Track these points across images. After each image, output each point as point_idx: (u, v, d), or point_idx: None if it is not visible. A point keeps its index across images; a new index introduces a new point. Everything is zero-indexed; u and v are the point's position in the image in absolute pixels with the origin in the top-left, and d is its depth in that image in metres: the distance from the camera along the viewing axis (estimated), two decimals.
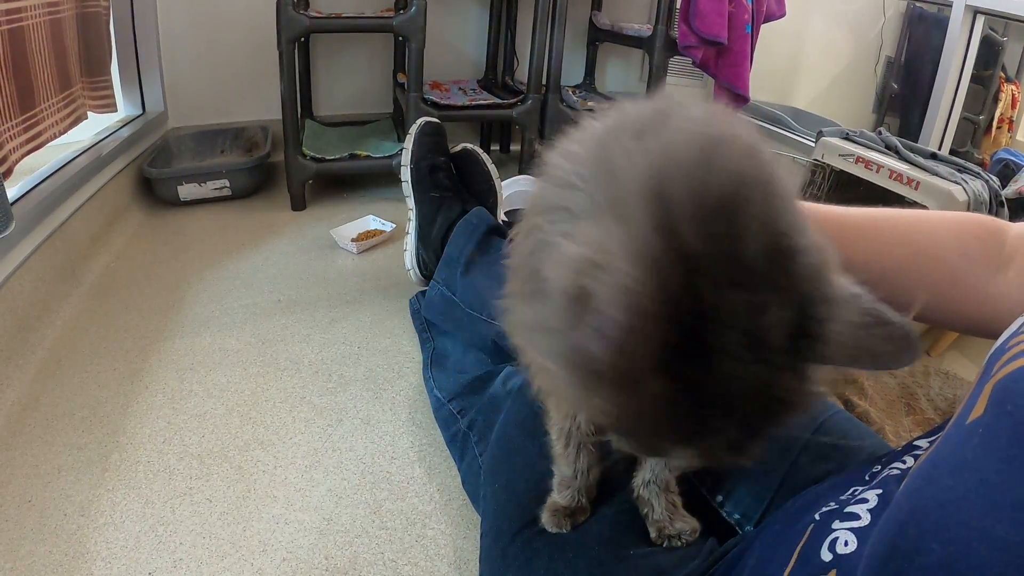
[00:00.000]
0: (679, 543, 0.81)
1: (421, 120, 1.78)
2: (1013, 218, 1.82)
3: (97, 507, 1.16)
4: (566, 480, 0.86)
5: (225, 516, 1.15)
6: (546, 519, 0.87)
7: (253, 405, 1.40)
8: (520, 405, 1.06)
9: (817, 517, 0.61)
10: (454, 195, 1.68)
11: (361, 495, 1.20)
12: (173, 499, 1.18)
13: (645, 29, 2.73)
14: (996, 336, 0.57)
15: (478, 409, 1.25)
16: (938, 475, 0.49)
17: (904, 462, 0.62)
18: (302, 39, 2.60)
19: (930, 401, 1.51)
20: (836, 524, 0.58)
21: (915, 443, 0.66)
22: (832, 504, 0.63)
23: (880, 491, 0.58)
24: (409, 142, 1.75)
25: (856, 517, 0.57)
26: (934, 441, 0.59)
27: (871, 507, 0.57)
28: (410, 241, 1.72)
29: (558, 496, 0.87)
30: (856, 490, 0.63)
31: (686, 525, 0.82)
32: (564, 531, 0.85)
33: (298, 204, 2.40)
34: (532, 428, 0.98)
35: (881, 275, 0.69)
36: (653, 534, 0.82)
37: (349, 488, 1.21)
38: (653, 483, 0.82)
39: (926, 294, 0.70)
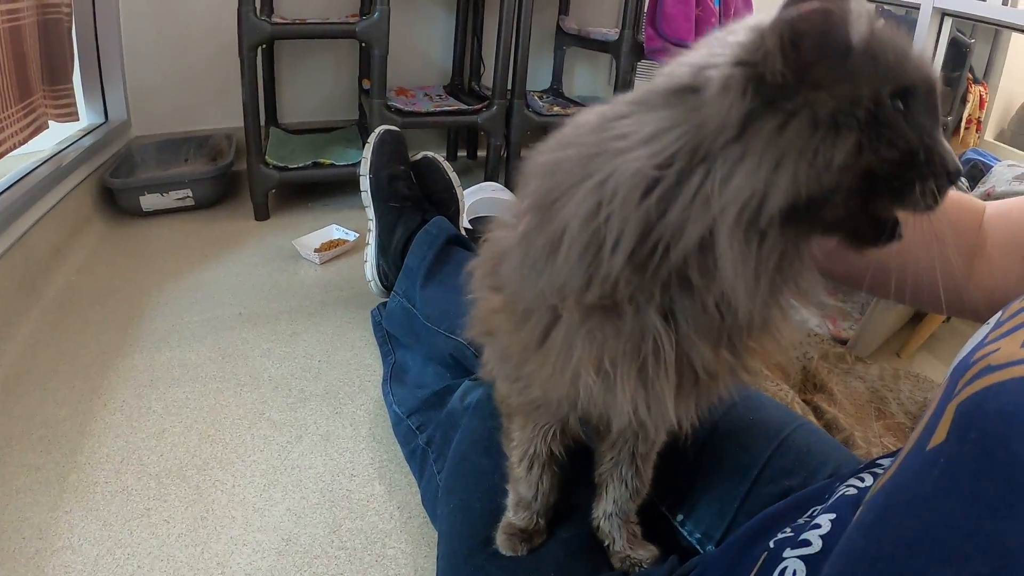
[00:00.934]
0: (639, 570, 0.82)
1: (380, 129, 1.78)
2: None
3: (55, 530, 1.15)
4: (524, 501, 0.86)
5: (183, 538, 1.15)
6: (501, 541, 0.86)
7: (212, 422, 1.40)
8: (477, 422, 1.06)
9: (771, 545, 0.61)
10: (414, 205, 1.68)
11: (320, 514, 1.20)
12: (131, 520, 1.17)
13: (612, 33, 2.74)
14: (984, 320, 0.54)
15: (436, 424, 1.25)
16: (894, 511, 0.44)
17: (862, 479, 0.61)
18: (265, 45, 2.58)
19: (900, 405, 1.51)
20: (787, 552, 0.56)
21: (878, 461, 0.66)
22: (788, 531, 0.62)
23: (834, 515, 0.57)
24: (368, 151, 1.74)
25: (807, 544, 0.55)
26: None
27: (824, 532, 0.56)
28: (371, 252, 1.72)
29: (514, 517, 0.87)
30: (815, 510, 0.63)
31: (647, 553, 0.83)
32: (520, 554, 0.85)
33: (261, 214, 2.39)
34: (488, 446, 0.99)
35: (863, 262, 0.69)
36: (616, 564, 0.83)
37: (308, 507, 1.22)
38: (615, 515, 0.83)
39: (907, 279, 0.69)
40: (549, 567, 0.84)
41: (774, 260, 0.48)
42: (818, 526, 0.57)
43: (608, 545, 0.84)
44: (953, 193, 0.66)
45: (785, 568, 0.55)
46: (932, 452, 0.43)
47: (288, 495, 1.24)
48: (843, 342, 1.72)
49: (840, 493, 0.61)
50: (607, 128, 0.51)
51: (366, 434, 1.39)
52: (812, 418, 1.35)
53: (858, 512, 0.49)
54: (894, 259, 0.69)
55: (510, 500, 0.88)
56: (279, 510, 1.21)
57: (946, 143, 0.47)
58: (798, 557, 0.55)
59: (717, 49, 0.49)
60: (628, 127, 0.50)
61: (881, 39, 0.46)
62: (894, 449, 1.27)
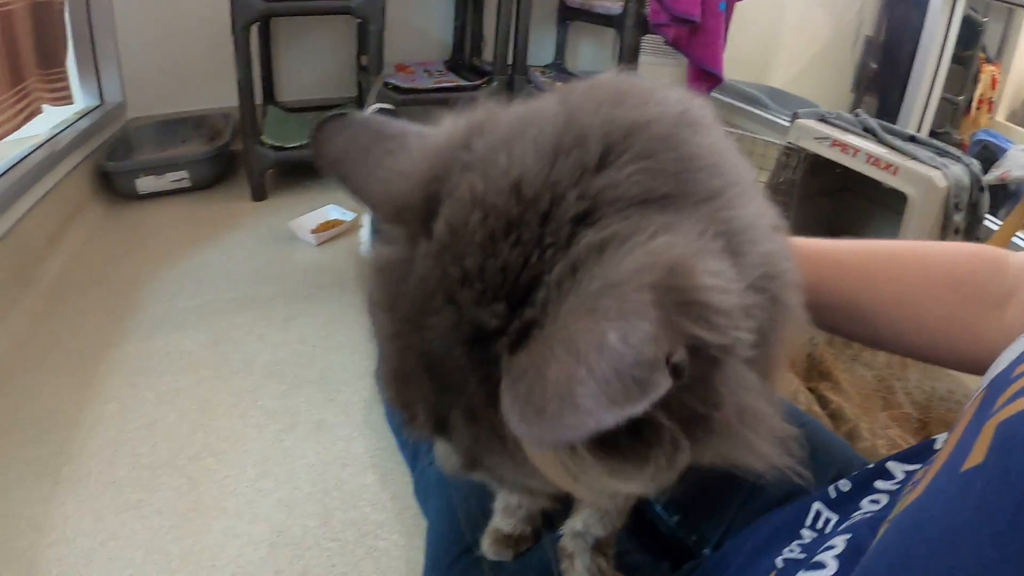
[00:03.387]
0: None
1: (374, 106, 1.75)
2: (994, 203, 1.80)
3: (49, 522, 1.15)
4: (510, 508, 0.81)
5: (175, 530, 1.14)
6: (486, 546, 0.82)
7: (204, 411, 1.39)
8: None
9: (780, 563, 0.58)
10: None
11: (312, 505, 1.19)
12: (124, 512, 1.17)
13: (616, 7, 2.69)
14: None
15: None
16: (923, 540, 0.39)
17: (876, 502, 0.58)
18: (260, 23, 2.55)
19: (907, 394, 1.46)
20: (801, 574, 0.53)
21: (886, 466, 0.62)
22: (796, 549, 0.59)
23: (849, 535, 0.54)
24: None
25: (822, 567, 0.51)
26: (911, 472, 0.56)
27: (838, 553, 0.52)
28: (366, 233, 1.69)
29: (501, 522, 0.82)
30: (827, 527, 0.61)
31: None
32: (504, 559, 0.81)
33: (258, 194, 2.37)
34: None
35: (870, 312, 0.65)
36: None
37: (300, 498, 1.21)
38: (581, 536, 0.75)
39: (916, 333, 0.64)
40: (535, 573, 0.80)
41: None
42: (832, 547, 0.53)
43: (565, 568, 0.77)
44: (963, 245, 0.64)
45: None
46: (968, 474, 0.39)
47: (280, 485, 1.23)
48: None
49: (855, 516, 0.58)
50: None
51: (360, 421, 1.38)
52: (817, 408, 1.32)
53: (881, 532, 0.46)
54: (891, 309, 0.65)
55: (497, 504, 0.83)
56: (271, 501, 1.20)
57: None
58: None
59: None
60: None
61: None
62: (900, 442, 1.25)
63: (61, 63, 2.35)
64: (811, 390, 1.40)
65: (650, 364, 0.28)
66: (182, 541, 1.12)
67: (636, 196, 0.35)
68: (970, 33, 2.85)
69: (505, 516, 0.81)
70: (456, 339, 0.36)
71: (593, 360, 0.28)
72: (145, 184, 2.30)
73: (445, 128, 0.42)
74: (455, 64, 3.01)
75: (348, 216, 2.16)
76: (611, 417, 0.27)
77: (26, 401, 1.41)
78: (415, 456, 1.19)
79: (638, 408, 0.27)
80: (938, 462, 0.44)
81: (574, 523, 0.76)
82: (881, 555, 0.42)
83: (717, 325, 0.30)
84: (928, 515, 0.40)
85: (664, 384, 0.28)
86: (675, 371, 0.29)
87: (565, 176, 0.35)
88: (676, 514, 0.84)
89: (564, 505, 0.78)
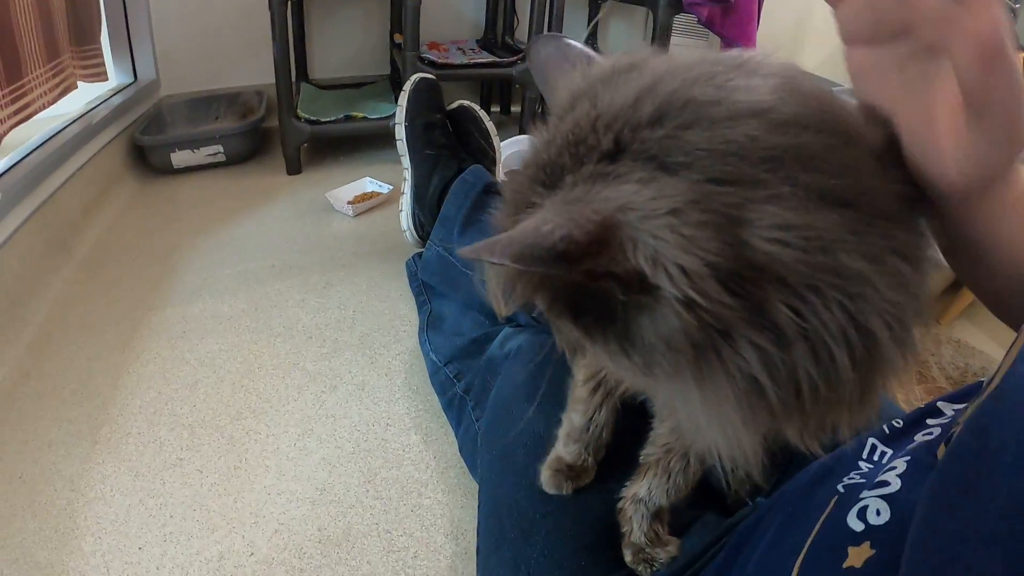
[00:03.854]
0: (648, 573, 0.74)
1: (416, 76, 1.72)
2: None
3: (87, 481, 1.13)
4: (575, 432, 0.80)
5: (216, 487, 1.12)
6: (546, 478, 0.81)
7: (245, 373, 1.37)
8: (518, 368, 1.02)
9: (841, 488, 0.57)
10: (450, 153, 1.62)
11: (355, 464, 1.17)
12: (163, 471, 1.15)
13: None
14: None
15: (475, 372, 1.21)
16: (1013, 406, 0.39)
17: (930, 433, 0.57)
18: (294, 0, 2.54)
19: (941, 370, 1.47)
20: (865, 493, 0.53)
21: (937, 405, 0.61)
22: (855, 476, 0.58)
23: (909, 458, 0.54)
24: (403, 99, 1.69)
25: (886, 484, 0.52)
26: (961, 410, 0.56)
27: (900, 472, 0.53)
28: (406, 202, 1.67)
29: (563, 450, 0.81)
30: (884, 453, 0.60)
31: (664, 554, 0.74)
32: (565, 493, 0.80)
33: (293, 168, 2.36)
34: (530, 393, 0.94)
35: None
36: (627, 557, 0.75)
37: (343, 457, 1.18)
38: (643, 503, 0.75)
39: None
40: (589, 520, 0.79)
41: None
42: (894, 467, 0.54)
43: (625, 532, 0.76)
44: None
45: (866, 507, 0.52)
46: None
47: (323, 444, 1.21)
48: None
49: (913, 442, 0.57)
50: None
51: (401, 384, 1.35)
52: None
53: (957, 431, 0.45)
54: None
55: (561, 431, 0.82)
56: (313, 459, 1.18)
57: None
58: (879, 497, 0.52)
59: None
60: None
61: None
62: None
63: (95, 40, 2.35)
64: None
65: (548, 249, 0.35)
66: (223, 498, 1.10)
67: (654, 155, 0.39)
68: None
69: (568, 442, 0.80)
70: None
71: (528, 227, 0.36)
72: (180, 158, 2.30)
73: (602, 62, 0.49)
74: (488, 43, 2.98)
75: (384, 188, 2.14)
76: (504, 260, 0.36)
77: (65, 364, 1.40)
78: (460, 415, 1.17)
79: (521, 265, 0.36)
80: (1005, 363, 0.43)
81: (637, 488, 0.75)
82: (969, 432, 0.42)
83: (637, 266, 0.37)
84: (1010, 394, 0.40)
85: (547, 268, 0.36)
86: (588, 275, 0.38)
87: (620, 124, 0.41)
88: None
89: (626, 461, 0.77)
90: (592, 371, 0.77)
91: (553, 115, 0.47)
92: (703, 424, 0.43)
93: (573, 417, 0.80)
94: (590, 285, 0.40)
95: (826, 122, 0.41)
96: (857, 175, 0.40)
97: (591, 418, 0.78)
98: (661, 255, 0.36)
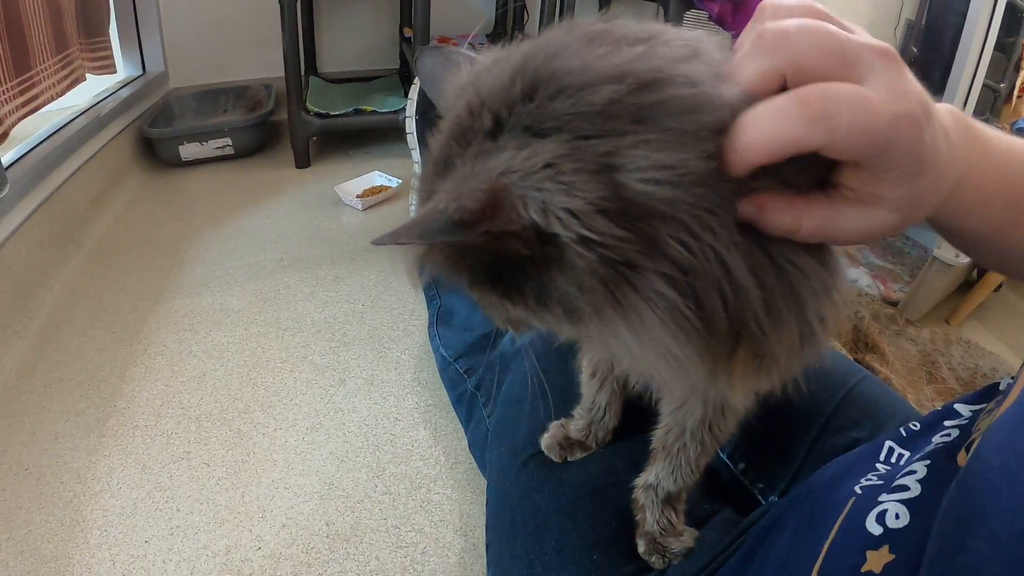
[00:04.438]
0: (661, 564, 0.72)
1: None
2: None
3: (94, 473, 1.13)
4: (582, 410, 0.84)
5: (223, 481, 1.11)
6: (547, 443, 0.84)
7: (253, 366, 1.36)
8: (530, 364, 1.01)
9: (859, 490, 0.57)
10: None
11: (364, 458, 1.16)
12: (170, 464, 1.14)
13: None
14: None
15: (485, 368, 1.19)
16: None
17: (948, 435, 0.57)
18: None
19: (951, 370, 1.45)
20: (884, 496, 0.53)
21: (954, 407, 0.60)
22: (873, 478, 0.58)
23: (928, 462, 0.53)
24: (414, 92, 1.68)
25: (905, 489, 0.52)
26: (978, 411, 0.56)
27: (920, 478, 0.52)
28: (416, 197, 1.66)
29: (571, 423, 0.84)
30: (901, 456, 0.60)
31: (679, 544, 0.73)
32: (556, 459, 0.83)
33: (302, 161, 2.35)
34: (542, 388, 0.94)
35: None
36: (641, 547, 0.74)
37: (351, 451, 1.17)
38: (652, 489, 0.74)
39: None
40: (604, 515, 0.78)
41: None
42: (913, 472, 0.53)
43: (639, 520, 0.75)
44: None
45: (885, 511, 0.51)
46: None
47: (331, 439, 1.20)
48: (893, 304, 1.66)
49: (930, 446, 0.57)
50: None
51: (411, 379, 1.34)
52: None
53: (978, 441, 0.45)
54: None
55: (578, 408, 0.85)
56: (322, 453, 1.17)
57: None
58: (898, 501, 0.51)
59: None
60: None
61: None
62: None
63: (104, 32, 2.35)
64: (858, 361, 1.36)
65: (445, 222, 0.38)
66: (231, 492, 1.09)
67: (528, 126, 0.41)
68: (1013, 19, 2.76)
69: (577, 418, 0.85)
70: None
71: (427, 209, 0.40)
72: (188, 151, 2.29)
73: (484, 56, 0.50)
74: (497, 37, 2.97)
75: (394, 182, 2.13)
76: (412, 240, 0.41)
77: (73, 355, 1.39)
78: (470, 411, 1.16)
79: (426, 240, 0.43)
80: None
81: (647, 476, 0.75)
82: (987, 448, 0.43)
83: (530, 220, 0.39)
84: None
85: (449, 237, 0.39)
86: (490, 237, 0.40)
87: (497, 104, 0.43)
88: (742, 461, 0.83)
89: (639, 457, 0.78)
90: (593, 362, 0.80)
91: (443, 115, 0.50)
92: (639, 352, 0.44)
93: (582, 398, 0.84)
94: (497, 249, 0.42)
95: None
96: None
97: (593, 399, 0.82)
98: (548, 203, 0.39)
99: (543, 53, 0.44)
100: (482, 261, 0.45)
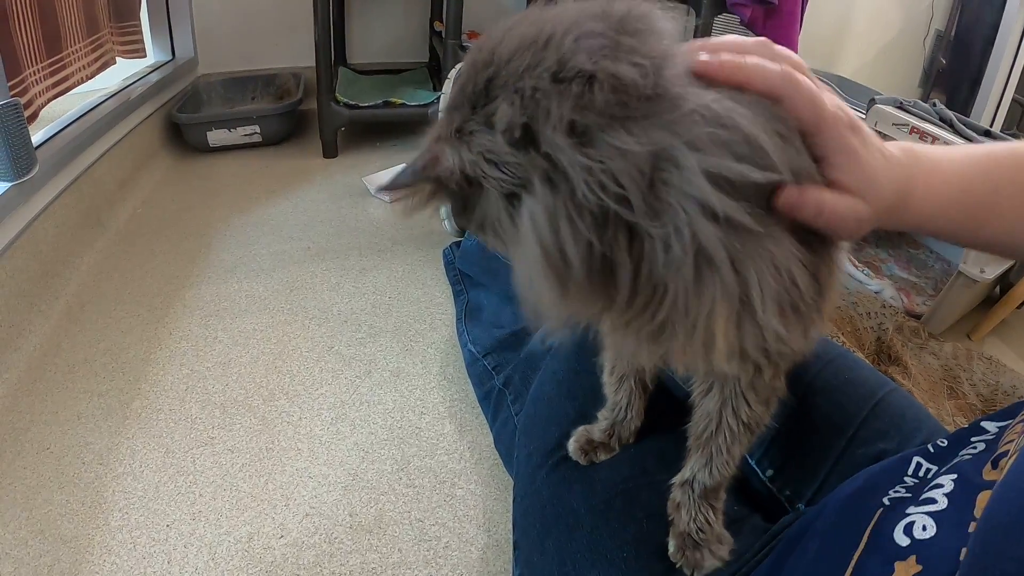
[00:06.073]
0: (691, 570, 0.70)
1: (460, 65, 1.70)
2: None
3: (116, 455, 1.12)
4: (606, 411, 0.84)
5: (247, 468, 1.10)
6: (573, 448, 0.84)
7: (279, 354, 1.35)
8: (559, 363, 0.99)
9: (886, 501, 0.57)
10: None
11: (388, 450, 1.15)
12: (194, 449, 1.13)
13: None
14: None
15: (514, 366, 1.18)
16: None
17: (975, 448, 0.57)
18: None
19: (972, 386, 1.43)
20: (912, 509, 0.53)
21: (982, 424, 0.61)
22: (902, 490, 0.58)
23: (955, 475, 0.54)
24: (447, 87, 1.67)
25: (932, 502, 0.52)
26: (1005, 427, 0.57)
27: (947, 491, 0.53)
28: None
29: (595, 426, 0.84)
30: (930, 471, 0.59)
31: (708, 558, 0.70)
32: (581, 462, 0.83)
33: (330, 151, 2.34)
34: (572, 389, 0.93)
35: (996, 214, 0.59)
36: (671, 548, 0.72)
37: (376, 443, 1.16)
38: (688, 484, 0.73)
39: None
40: (637, 513, 0.76)
41: None
42: (940, 486, 0.54)
43: (673, 519, 0.73)
44: None
45: (912, 523, 0.52)
46: None
47: (356, 430, 1.18)
48: (917, 317, 1.63)
49: (956, 460, 0.57)
50: None
51: (437, 372, 1.33)
52: None
53: (1017, 455, 0.47)
54: None
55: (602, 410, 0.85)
56: (346, 444, 1.15)
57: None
58: (926, 514, 0.52)
59: None
60: None
61: None
62: None
63: (134, 16, 2.36)
64: (881, 373, 1.35)
65: (412, 172, 0.51)
66: (254, 479, 1.08)
67: (510, 86, 0.48)
68: None
69: (601, 419, 0.85)
70: None
71: (408, 164, 0.52)
72: (216, 137, 2.29)
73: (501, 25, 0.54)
74: None
75: None
76: (395, 184, 0.52)
77: (98, 336, 1.39)
78: (498, 408, 1.14)
79: (402, 185, 0.51)
80: None
81: (683, 473, 0.74)
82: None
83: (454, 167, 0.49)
84: None
85: (411, 184, 0.51)
86: (437, 182, 0.50)
87: (495, 66, 0.49)
88: (771, 468, 0.82)
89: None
90: (612, 362, 0.81)
91: None
92: (516, 269, 0.51)
93: (607, 399, 0.84)
94: (457, 190, 0.51)
95: None
96: None
97: (615, 399, 0.82)
98: (462, 156, 0.49)
99: (501, 48, 0.51)
100: (456, 197, 0.53)
